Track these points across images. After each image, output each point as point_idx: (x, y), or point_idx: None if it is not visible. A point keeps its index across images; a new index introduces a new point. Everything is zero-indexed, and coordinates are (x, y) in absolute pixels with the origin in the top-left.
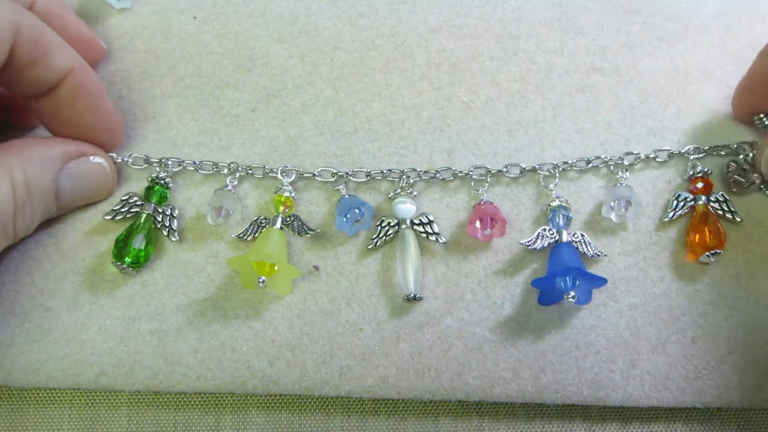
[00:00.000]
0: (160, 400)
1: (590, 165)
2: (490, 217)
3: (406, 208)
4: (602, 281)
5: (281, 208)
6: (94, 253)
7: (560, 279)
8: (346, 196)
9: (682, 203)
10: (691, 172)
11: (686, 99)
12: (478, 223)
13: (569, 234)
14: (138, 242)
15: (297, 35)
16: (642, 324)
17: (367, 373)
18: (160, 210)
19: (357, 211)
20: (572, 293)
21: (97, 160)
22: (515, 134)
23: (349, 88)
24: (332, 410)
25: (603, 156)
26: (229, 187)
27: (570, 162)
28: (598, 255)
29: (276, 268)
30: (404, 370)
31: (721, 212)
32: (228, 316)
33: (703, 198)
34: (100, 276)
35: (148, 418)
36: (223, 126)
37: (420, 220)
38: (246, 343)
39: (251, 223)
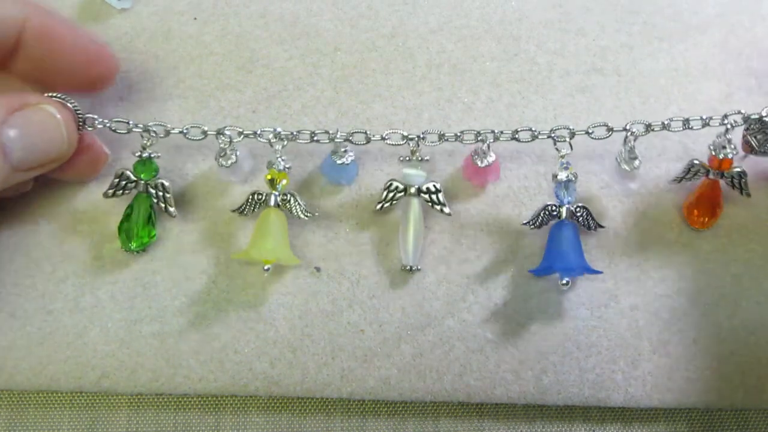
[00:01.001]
0: (161, 401)
1: (611, 132)
2: (483, 150)
3: (415, 174)
4: (597, 273)
5: (276, 184)
6: (95, 255)
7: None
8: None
9: (693, 174)
10: (714, 152)
11: (687, 99)
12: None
13: (571, 207)
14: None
15: (297, 36)
16: (644, 325)
17: (368, 374)
18: (152, 186)
19: (344, 151)
20: (566, 280)
21: (44, 107)
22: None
23: (350, 89)
24: (333, 411)
25: (627, 125)
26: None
27: (589, 130)
28: (597, 227)
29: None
30: (406, 372)
31: (730, 184)
32: (230, 318)
33: (713, 174)
34: (101, 278)
35: (148, 419)
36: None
37: (427, 188)
38: (248, 345)
39: (248, 198)
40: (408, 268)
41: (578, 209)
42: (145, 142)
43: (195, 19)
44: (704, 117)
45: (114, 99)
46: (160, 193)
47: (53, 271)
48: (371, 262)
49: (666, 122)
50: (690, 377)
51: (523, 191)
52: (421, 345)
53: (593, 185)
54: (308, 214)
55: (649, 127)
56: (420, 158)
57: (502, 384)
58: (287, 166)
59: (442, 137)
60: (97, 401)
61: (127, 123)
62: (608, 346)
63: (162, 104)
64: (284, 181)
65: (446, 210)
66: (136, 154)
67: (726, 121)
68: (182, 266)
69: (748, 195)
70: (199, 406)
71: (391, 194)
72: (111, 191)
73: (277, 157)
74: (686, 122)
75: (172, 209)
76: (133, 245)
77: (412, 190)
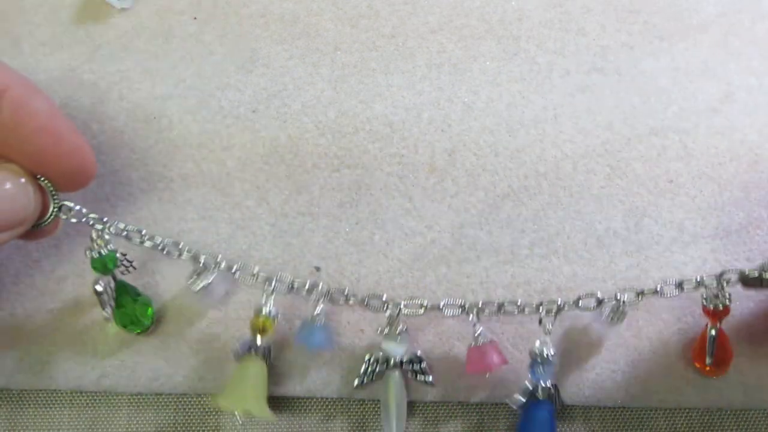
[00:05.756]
0: (160, 401)
1: (603, 302)
2: (489, 364)
3: (395, 348)
4: None
5: (259, 333)
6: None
7: None
8: (317, 323)
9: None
10: (710, 305)
11: (688, 98)
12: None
13: (546, 388)
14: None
15: (297, 36)
16: (643, 324)
17: None
18: (118, 269)
19: (319, 338)
20: None
21: (8, 166)
22: (516, 134)
23: (350, 88)
24: (332, 411)
25: (617, 292)
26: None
27: (579, 302)
28: (561, 408)
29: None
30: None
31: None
32: (229, 317)
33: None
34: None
35: (148, 418)
36: (224, 127)
37: (410, 358)
38: None
39: (237, 348)
40: None
41: (552, 389)
42: (97, 239)
43: (195, 18)
44: (698, 278)
45: (114, 98)
46: (124, 267)
47: (53, 270)
48: (371, 261)
49: (658, 288)
50: (690, 377)
51: None
52: (421, 344)
53: (593, 185)
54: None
55: (640, 295)
56: (399, 331)
57: (502, 383)
58: (276, 317)
59: (423, 306)
60: (97, 401)
61: (103, 221)
62: (608, 346)
63: (162, 103)
64: (270, 331)
65: (429, 380)
66: (93, 256)
67: (722, 279)
68: (182, 265)
69: None
70: (199, 406)
71: (371, 368)
72: (104, 307)
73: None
74: (679, 286)
75: (134, 269)
76: (137, 329)
77: (393, 362)
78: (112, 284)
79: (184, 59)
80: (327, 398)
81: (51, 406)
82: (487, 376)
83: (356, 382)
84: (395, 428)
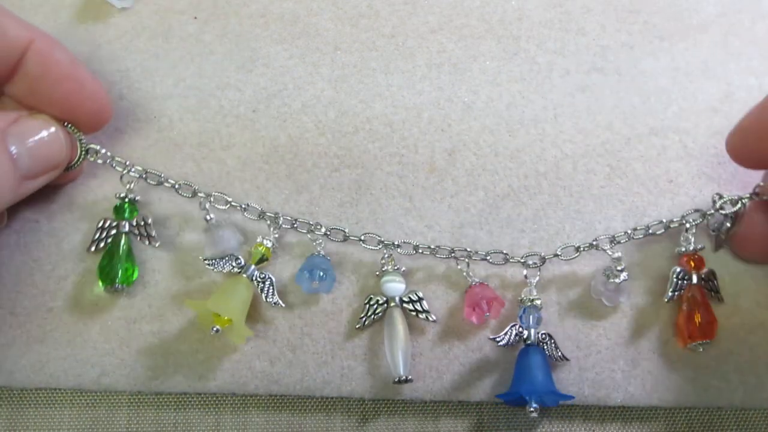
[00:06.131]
0: (161, 400)
1: (581, 251)
2: (486, 301)
3: (395, 286)
4: (569, 398)
5: (258, 258)
6: (95, 253)
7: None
8: (320, 254)
9: (681, 282)
10: (683, 249)
11: (687, 98)
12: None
13: (537, 334)
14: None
15: (298, 36)
16: (643, 323)
17: (368, 373)
18: (134, 224)
19: (320, 273)
20: (534, 406)
21: (40, 116)
22: (516, 134)
23: (350, 88)
24: (333, 411)
25: (594, 241)
26: (209, 218)
27: (558, 252)
28: (561, 358)
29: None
30: None
31: (706, 290)
32: None
33: (695, 277)
34: None
35: (149, 418)
36: (224, 126)
37: (409, 297)
38: (247, 344)
39: (228, 257)
40: (399, 380)
41: (543, 336)
42: (131, 184)
43: (195, 18)
44: (665, 220)
45: (114, 98)
46: (143, 229)
47: (53, 269)
48: (371, 261)
49: (629, 231)
50: (689, 376)
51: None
52: (420, 344)
53: (593, 185)
54: (274, 301)
55: (618, 238)
56: (397, 268)
57: (502, 383)
58: (275, 247)
59: (416, 249)
60: (98, 400)
61: (125, 164)
62: (608, 345)
63: (162, 103)
64: (266, 261)
65: (431, 318)
66: (120, 195)
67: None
68: (182, 265)
69: (720, 300)
70: (199, 405)
71: (372, 309)
72: (95, 244)
73: (270, 236)
74: (668, 225)
75: (156, 243)
76: (119, 281)
77: (393, 302)
78: (114, 232)
79: (184, 59)
80: (327, 398)
81: (52, 405)
82: (486, 317)
83: (358, 324)
84: (401, 362)
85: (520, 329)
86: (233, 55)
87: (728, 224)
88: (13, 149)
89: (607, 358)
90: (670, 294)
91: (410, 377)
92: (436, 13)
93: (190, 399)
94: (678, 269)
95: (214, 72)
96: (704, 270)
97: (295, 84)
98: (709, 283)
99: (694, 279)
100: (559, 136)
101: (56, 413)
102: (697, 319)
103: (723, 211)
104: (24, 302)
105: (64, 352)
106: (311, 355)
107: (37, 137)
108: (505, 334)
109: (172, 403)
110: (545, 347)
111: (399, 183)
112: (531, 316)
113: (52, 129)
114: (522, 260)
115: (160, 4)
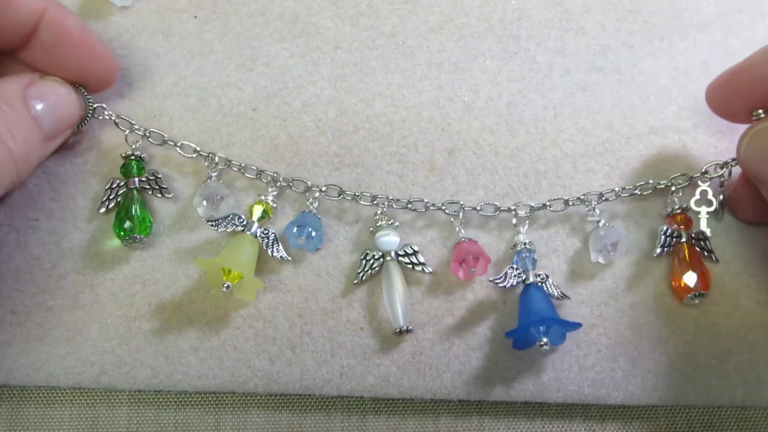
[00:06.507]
0: (161, 399)
1: (570, 205)
2: (473, 257)
3: (390, 240)
4: (576, 325)
5: (259, 215)
6: (95, 251)
7: (533, 328)
8: (312, 211)
9: (669, 239)
10: (669, 209)
11: (687, 98)
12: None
13: (535, 275)
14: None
15: (298, 35)
16: (643, 322)
17: (368, 372)
18: (144, 179)
19: (309, 230)
20: (545, 340)
21: (52, 78)
22: (516, 133)
23: (350, 87)
24: (332, 409)
25: (581, 195)
26: (213, 178)
27: (548, 203)
28: (561, 297)
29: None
30: (405, 369)
31: (699, 250)
32: (229, 315)
33: (685, 235)
34: (101, 275)
35: (149, 417)
36: (224, 125)
37: (404, 251)
38: (247, 342)
39: (230, 216)
40: (399, 330)
41: (541, 276)
42: (137, 142)
43: (195, 17)
44: (652, 181)
45: (115, 96)
46: (153, 182)
47: (53, 267)
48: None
49: (617, 189)
50: (689, 375)
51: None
52: (420, 342)
53: (593, 184)
54: (281, 256)
55: (606, 195)
56: (390, 222)
57: (502, 382)
58: (274, 205)
59: (409, 203)
60: (98, 399)
61: (131, 123)
62: (608, 344)
63: (163, 101)
64: (268, 218)
65: (427, 269)
66: (126, 154)
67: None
68: (182, 263)
69: (715, 260)
70: (200, 405)
71: (368, 264)
72: (104, 205)
73: (269, 193)
74: (655, 186)
75: (170, 194)
76: (138, 231)
77: (389, 256)
78: (123, 190)
79: (184, 57)
80: (326, 396)
81: (52, 404)
82: (472, 272)
83: (356, 279)
84: (401, 313)
85: (518, 270)
86: (233, 53)
87: (721, 188)
88: (37, 109)
89: (607, 357)
90: (658, 250)
91: (410, 327)
92: (436, 12)
93: (190, 398)
94: (665, 227)
95: (214, 71)
96: (694, 230)
97: (295, 83)
98: (701, 242)
99: (683, 237)
100: (559, 135)
101: (56, 412)
102: (689, 269)
103: (708, 175)
104: (24, 300)
105: (64, 351)
106: (311, 354)
107: (54, 98)
108: (504, 275)
109: (172, 402)
110: (544, 287)
111: (399, 182)
112: (526, 258)
113: (66, 89)
114: (513, 208)
115: (160, 2)
